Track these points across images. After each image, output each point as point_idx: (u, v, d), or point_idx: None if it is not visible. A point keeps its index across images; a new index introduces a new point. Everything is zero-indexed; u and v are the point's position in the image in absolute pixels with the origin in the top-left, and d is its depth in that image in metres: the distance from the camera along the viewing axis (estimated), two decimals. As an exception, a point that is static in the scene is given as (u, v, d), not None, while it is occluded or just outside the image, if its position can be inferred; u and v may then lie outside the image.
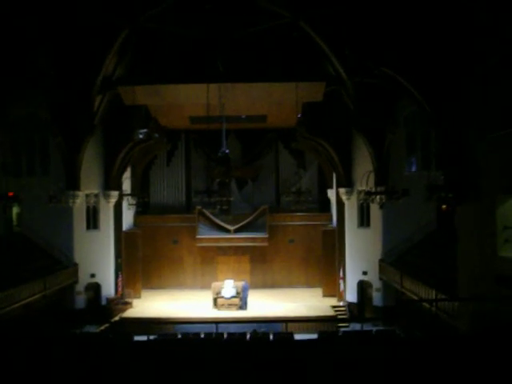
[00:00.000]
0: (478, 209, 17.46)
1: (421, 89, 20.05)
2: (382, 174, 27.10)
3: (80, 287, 29.56)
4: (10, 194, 23.56)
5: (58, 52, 23.82)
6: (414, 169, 28.94)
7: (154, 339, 17.20)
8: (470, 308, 17.34)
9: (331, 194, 35.22)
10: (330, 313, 29.72)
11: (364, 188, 25.62)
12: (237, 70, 25.43)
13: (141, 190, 35.38)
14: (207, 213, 34.98)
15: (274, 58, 25.46)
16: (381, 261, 29.04)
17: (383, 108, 26.48)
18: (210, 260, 36.91)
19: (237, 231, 35.50)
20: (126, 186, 33.71)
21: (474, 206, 17.74)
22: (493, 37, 15.60)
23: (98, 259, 30.45)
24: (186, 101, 28.53)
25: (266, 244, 35.76)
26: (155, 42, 25.57)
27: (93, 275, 30.09)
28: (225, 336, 19.75)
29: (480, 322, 15.97)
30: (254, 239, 35.65)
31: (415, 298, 23.31)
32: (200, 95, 25.67)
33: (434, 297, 20.96)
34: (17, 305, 22.70)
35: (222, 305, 29.91)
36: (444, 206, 19.45)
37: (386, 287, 28.71)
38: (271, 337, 19.42)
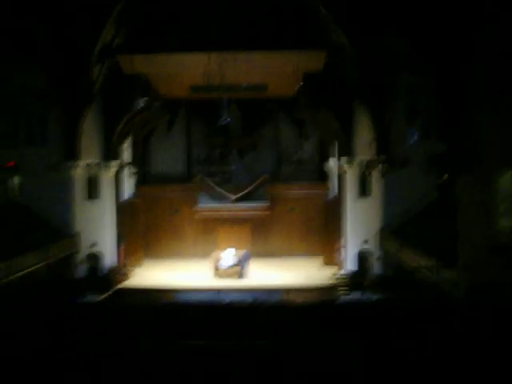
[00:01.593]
0: (478, 179, 17.44)
1: (423, 58, 19.84)
2: (383, 144, 26.97)
3: (81, 257, 29.72)
4: (10, 163, 23.60)
5: (57, 21, 23.52)
6: (415, 138, 28.82)
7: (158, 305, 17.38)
8: (469, 277, 17.44)
9: (332, 163, 35.12)
10: (331, 282, 29.91)
11: (365, 157, 25.58)
12: (237, 39, 25.17)
13: (141, 160, 35.31)
14: (208, 182, 34.96)
15: (275, 26, 25.18)
16: (381, 230, 29.12)
17: (385, 77, 26.23)
18: (211, 229, 37.00)
19: (237, 200, 35.50)
20: (127, 155, 33.63)
21: (475, 177, 17.71)
22: (497, 5, 15.39)
23: (99, 229, 30.47)
24: (186, 70, 28.26)
25: (266, 213, 35.80)
26: (155, 10, 25.26)
27: (93, 245, 30.20)
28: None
29: (478, 291, 16.08)
30: (254, 209, 35.66)
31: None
32: (200, 64, 25.45)
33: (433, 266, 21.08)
34: (19, 274, 22.83)
35: (222, 274, 30.11)
36: (444, 176, 19.42)
37: (386, 256, 28.84)
38: (271, 306, 19.62)
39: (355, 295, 28.02)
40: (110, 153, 30.73)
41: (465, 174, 18.25)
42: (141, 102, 27.68)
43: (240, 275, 30.06)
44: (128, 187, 34.95)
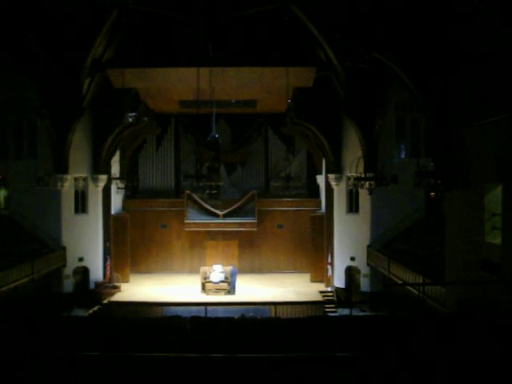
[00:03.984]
0: (467, 196, 17.57)
1: (412, 75, 20.06)
2: (371, 161, 27.10)
3: (68, 271, 29.44)
4: (-2, 176, 23.45)
5: (47, 34, 23.52)
6: (403, 155, 29.07)
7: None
8: (457, 294, 17.50)
9: (320, 179, 35.29)
10: (318, 298, 29.89)
11: (353, 174, 25.69)
12: (227, 55, 25.28)
13: (130, 174, 35.28)
14: (196, 197, 34.95)
15: (264, 42, 25.33)
16: (369, 247, 29.18)
17: (374, 94, 26.46)
18: (199, 244, 36.94)
19: (225, 216, 35.51)
20: (115, 169, 33.58)
21: (463, 193, 17.83)
22: (484, 25, 15.60)
23: (86, 243, 30.33)
24: (176, 85, 28.34)
25: (254, 229, 35.83)
26: (145, 25, 25.33)
27: (81, 259, 30.01)
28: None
29: (466, 308, 16.13)
30: (242, 224, 35.69)
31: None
32: (190, 79, 25.51)
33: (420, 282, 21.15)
34: (4, 288, 22.60)
35: (210, 289, 29.99)
36: (432, 193, 19.49)
37: (374, 273, 28.88)
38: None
39: (342, 311, 27.97)
40: (98, 167, 30.70)
41: (453, 190, 18.37)
42: (130, 117, 27.62)
43: (228, 291, 29.95)
44: (116, 201, 34.85)
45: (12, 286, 23.35)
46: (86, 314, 25.33)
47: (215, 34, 24.55)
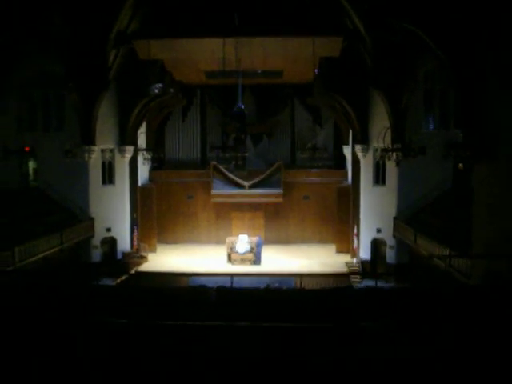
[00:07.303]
0: (495, 168, 17.30)
1: (442, 45, 19.61)
2: (398, 132, 26.73)
3: (96, 241, 29.88)
4: (27, 148, 23.75)
5: (73, 6, 23.50)
6: (431, 127, 28.58)
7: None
8: (483, 267, 17.36)
9: (347, 150, 35.01)
10: (343, 269, 29.92)
11: (380, 145, 25.42)
12: (253, 24, 25.01)
13: (156, 146, 35.45)
14: (222, 168, 35.03)
15: (291, 12, 24.97)
16: (395, 219, 28.98)
17: (402, 64, 25.96)
18: (225, 215, 37.11)
19: (252, 187, 35.53)
20: (141, 141, 33.74)
21: (491, 165, 17.57)
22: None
23: (114, 214, 30.67)
24: (202, 55, 28.23)
25: (280, 200, 35.83)
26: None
27: (108, 229, 30.39)
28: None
29: (492, 282, 16.01)
30: (268, 195, 35.71)
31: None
32: (216, 49, 25.35)
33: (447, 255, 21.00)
34: (34, 258, 23.01)
35: (236, 260, 30.23)
36: (460, 165, 19.20)
37: (400, 245, 28.72)
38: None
39: (368, 283, 27.97)
40: (125, 138, 30.85)
41: (481, 163, 18.11)
42: (156, 88, 27.60)
43: (253, 262, 30.15)
44: (142, 172, 35.11)
45: (41, 255, 23.75)
46: (114, 284, 25.76)
47: (241, 3, 24.28)
